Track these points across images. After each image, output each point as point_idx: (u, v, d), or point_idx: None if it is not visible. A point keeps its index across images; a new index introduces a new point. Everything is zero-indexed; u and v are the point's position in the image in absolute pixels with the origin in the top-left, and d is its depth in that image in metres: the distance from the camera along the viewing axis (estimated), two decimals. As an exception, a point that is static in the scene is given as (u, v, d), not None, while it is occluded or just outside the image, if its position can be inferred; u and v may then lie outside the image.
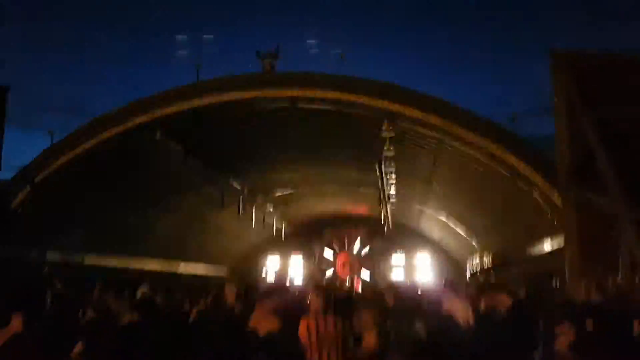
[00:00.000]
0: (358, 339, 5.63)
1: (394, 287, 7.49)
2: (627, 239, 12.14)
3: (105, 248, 21.15)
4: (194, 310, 7.98)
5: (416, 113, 15.73)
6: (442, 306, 5.88)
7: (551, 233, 17.05)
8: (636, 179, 13.44)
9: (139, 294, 6.93)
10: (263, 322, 5.68)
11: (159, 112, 16.75)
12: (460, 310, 6.03)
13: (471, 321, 5.79)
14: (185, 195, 23.04)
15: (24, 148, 22.30)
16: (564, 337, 4.24)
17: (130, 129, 16.97)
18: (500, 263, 23.41)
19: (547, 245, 17.50)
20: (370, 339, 5.51)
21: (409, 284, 8.42)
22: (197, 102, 16.74)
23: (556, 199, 14.67)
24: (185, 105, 16.74)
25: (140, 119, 16.80)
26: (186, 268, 27.87)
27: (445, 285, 7.52)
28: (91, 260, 20.42)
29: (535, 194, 16.16)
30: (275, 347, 5.34)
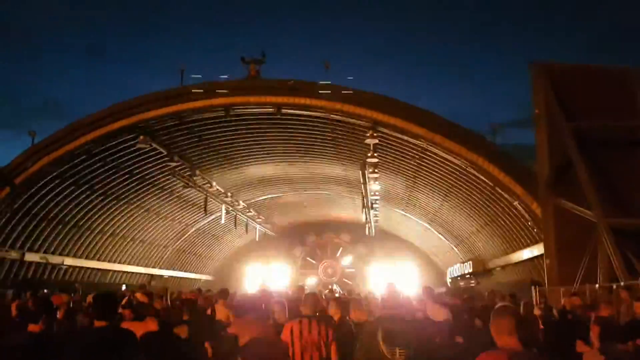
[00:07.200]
0: None
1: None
2: (605, 246, 12.39)
3: (83, 252, 20.90)
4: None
5: (400, 122, 15.89)
6: (420, 313, 5.99)
7: (531, 241, 17.33)
8: (613, 187, 13.77)
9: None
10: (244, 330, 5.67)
11: (141, 116, 16.65)
12: (437, 315, 6.17)
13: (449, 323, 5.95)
14: (167, 199, 22.86)
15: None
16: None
17: (112, 131, 16.83)
18: (480, 270, 23.67)
19: (527, 253, 17.76)
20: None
21: (387, 292, 8.30)
22: (180, 107, 16.68)
23: (536, 207, 14.92)
24: (168, 109, 16.66)
25: (123, 122, 16.67)
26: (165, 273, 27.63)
27: (423, 292, 7.59)
28: (70, 262, 20.14)
29: (516, 203, 16.42)
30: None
